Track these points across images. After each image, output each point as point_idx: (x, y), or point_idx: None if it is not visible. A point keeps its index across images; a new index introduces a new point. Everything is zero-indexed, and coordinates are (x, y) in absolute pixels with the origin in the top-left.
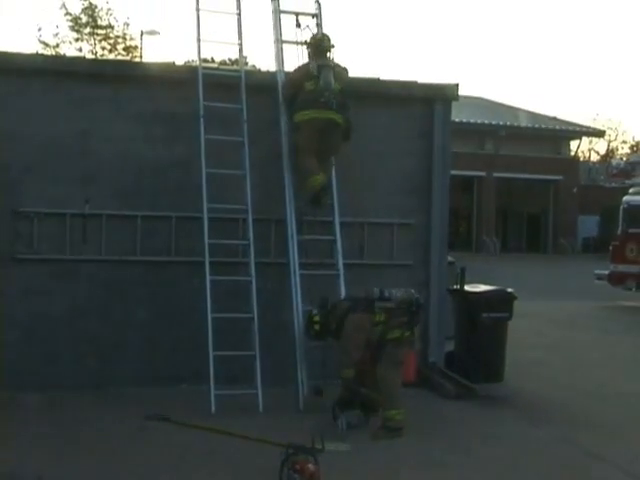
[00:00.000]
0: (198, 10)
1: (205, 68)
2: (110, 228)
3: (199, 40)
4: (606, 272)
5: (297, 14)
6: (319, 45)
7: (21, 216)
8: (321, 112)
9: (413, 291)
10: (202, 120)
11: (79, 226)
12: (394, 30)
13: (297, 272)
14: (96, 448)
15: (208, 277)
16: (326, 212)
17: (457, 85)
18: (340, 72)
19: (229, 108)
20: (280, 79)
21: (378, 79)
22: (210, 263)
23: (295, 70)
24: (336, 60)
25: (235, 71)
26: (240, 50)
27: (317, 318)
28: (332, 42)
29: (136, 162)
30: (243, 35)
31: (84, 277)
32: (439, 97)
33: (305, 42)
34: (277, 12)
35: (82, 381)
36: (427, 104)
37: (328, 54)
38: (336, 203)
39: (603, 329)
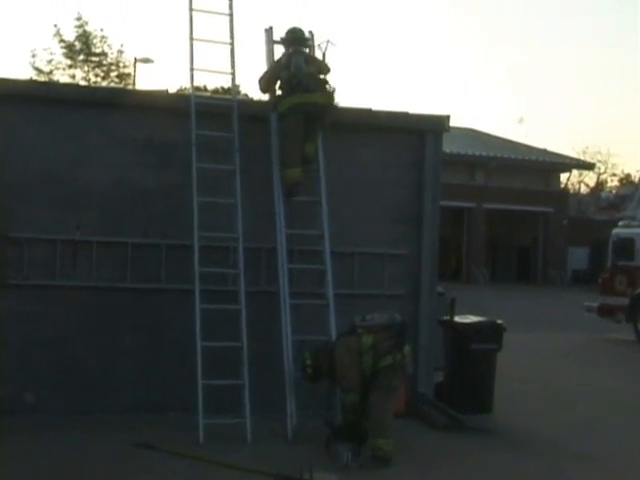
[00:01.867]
0: (192, 39)
1: (198, 97)
2: (100, 255)
3: (192, 69)
4: (595, 304)
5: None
6: (292, 36)
7: (11, 241)
8: (300, 96)
9: (396, 314)
10: (194, 148)
11: (69, 252)
12: (386, 62)
13: (287, 301)
14: (82, 474)
15: (198, 305)
16: (316, 241)
17: (448, 117)
18: (312, 56)
19: (221, 136)
20: (273, 112)
21: (370, 110)
22: (200, 291)
23: (268, 67)
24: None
25: (227, 100)
26: (233, 79)
27: (309, 362)
28: (308, 35)
29: (127, 189)
30: (236, 64)
31: (73, 303)
32: (430, 128)
33: (280, 38)
34: (270, 43)
35: (70, 407)
36: (418, 135)
37: (304, 49)
38: (326, 232)
39: (592, 361)
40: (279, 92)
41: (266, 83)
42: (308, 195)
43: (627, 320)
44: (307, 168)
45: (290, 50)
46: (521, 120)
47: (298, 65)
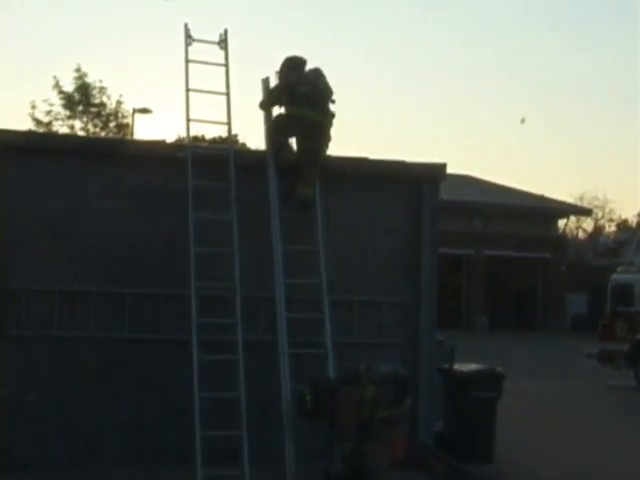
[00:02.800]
0: (187, 90)
1: (194, 147)
2: (98, 305)
3: (188, 119)
4: (595, 351)
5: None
6: (291, 63)
7: (9, 293)
8: (313, 113)
9: (400, 367)
10: (191, 198)
11: (67, 303)
12: (382, 110)
13: (286, 351)
14: None
15: (195, 356)
16: (314, 290)
17: (445, 165)
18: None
19: (218, 186)
20: (271, 160)
21: (367, 159)
22: (198, 341)
23: (282, 80)
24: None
25: (224, 150)
26: (229, 129)
27: (309, 397)
28: (303, 58)
29: (125, 239)
30: (232, 114)
31: (71, 354)
32: (427, 177)
33: (278, 70)
34: (267, 89)
35: (67, 460)
36: (415, 184)
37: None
38: (325, 281)
39: (592, 409)
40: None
41: (277, 96)
42: (305, 244)
43: (627, 367)
44: (306, 211)
45: (306, 72)
46: (523, 120)
47: (327, 86)
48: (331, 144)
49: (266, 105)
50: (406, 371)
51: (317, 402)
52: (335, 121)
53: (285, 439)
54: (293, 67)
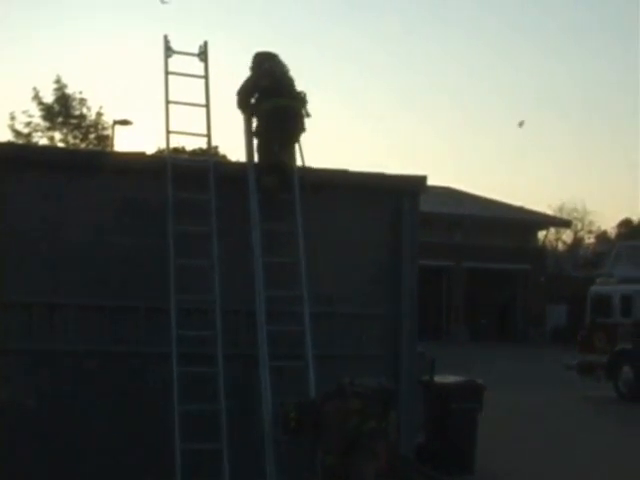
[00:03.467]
0: (167, 102)
1: (174, 158)
2: (78, 318)
3: (168, 131)
4: (574, 362)
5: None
6: (260, 58)
7: None
8: (276, 101)
9: (384, 380)
10: (170, 210)
11: (46, 316)
12: (362, 122)
13: (267, 363)
14: None
15: (175, 368)
16: (295, 302)
17: (425, 177)
18: (287, 69)
19: (199, 198)
20: (251, 172)
21: (346, 171)
22: (179, 354)
23: (244, 82)
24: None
25: (203, 162)
26: (208, 141)
27: (293, 414)
28: (273, 52)
29: (105, 252)
30: (212, 126)
31: (50, 367)
32: (407, 189)
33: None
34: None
35: (50, 473)
36: (396, 196)
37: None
38: (305, 294)
39: (573, 420)
40: (253, 101)
41: (245, 94)
42: (286, 256)
43: (607, 378)
44: (284, 179)
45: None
46: (521, 124)
47: (283, 72)
48: (310, 154)
49: (242, 102)
50: (391, 384)
51: (301, 419)
52: (314, 128)
53: (266, 452)
54: (262, 61)
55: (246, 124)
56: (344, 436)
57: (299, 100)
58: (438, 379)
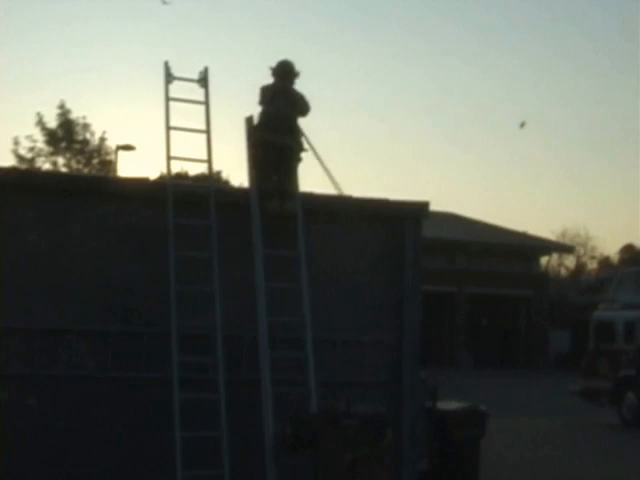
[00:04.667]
0: (168, 128)
1: (175, 185)
2: (80, 344)
3: (169, 157)
4: (578, 388)
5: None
6: (281, 69)
7: None
8: (270, 134)
9: (379, 406)
10: (171, 236)
11: (48, 341)
12: (365, 149)
13: (269, 390)
14: None
15: (177, 394)
16: (297, 329)
17: (427, 203)
18: (295, 96)
19: (200, 224)
20: (254, 198)
21: (349, 197)
22: (180, 380)
23: (264, 87)
24: (298, 89)
25: (205, 187)
26: (209, 167)
27: (289, 431)
28: (295, 68)
29: (107, 277)
30: (213, 151)
31: (52, 393)
32: (410, 215)
33: (271, 68)
34: (250, 131)
35: None
36: (398, 222)
37: (293, 79)
38: (308, 320)
39: (577, 447)
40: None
41: (260, 100)
42: (288, 282)
43: (611, 404)
44: (286, 210)
45: (278, 86)
46: (523, 125)
47: (279, 108)
48: (313, 179)
49: (261, 102)
50: (384, 409)
51: (298, 435)
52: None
53: (267, 477)
54: (281, 75)
55: (249, 150)
56: (340, 463)
57: (295, 138)
58: (441, 405)
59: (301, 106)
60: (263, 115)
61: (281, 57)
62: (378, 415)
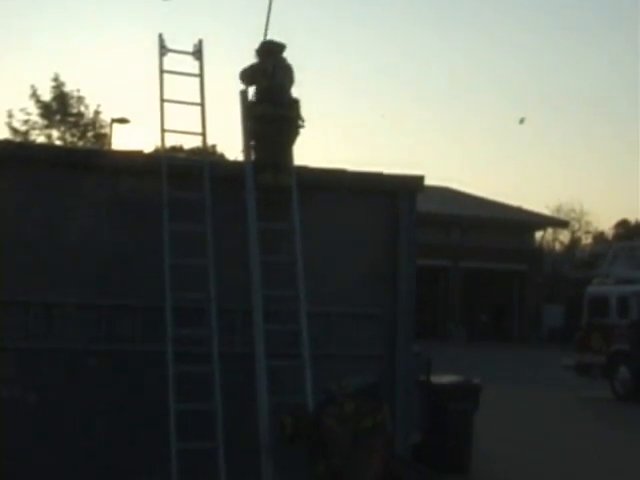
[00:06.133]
0: (162, 100)
1: (169, 158)
2: (73, 317)
3: (163, 130)
4: (572, 362)
5: None
6: (269, 46)
7: None
8: (275, 108)
9: (369, 375)
10: (165, 209)
11: (43, 315)
12: (360, 121)
13: (263, 363)
14: None
15: (171, 367)
16: (292, 302)
17: (422, 177)
18: (290, 73)
19: (194, 197)
20: (249, 170)
21: (344, 170)
22: (174, 353)
23: (251, 65)
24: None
25: (199, 161)
26: (203, 140)
27: (289, 421)
28: (282, 43)
29: (101, 250)
30: (207, 124)
31: (46, 366)
32: (404, 189)
33: (256, 50)
34: (245, 105)
35: (46, 474)
36: (392, 195)
37: (282, 51)
38: (302, 293)
39: (569, 420)
40: (251, 98)
41: (248, 80)
42: (283, 255)
43: (603, 378)
44: (283, 179)
45: (274, 62)
46: (522, 120)
47: (282, 84)
48: (308, 152)
49: (244, 80)
50: (375, 377)
51: (297, 426)
52: (312, 127)
53: (262, 455)
54: (268, 54)
55: (244, 123)
56: (346, 439)
57: (294, 109)
58: (434, 379)
59: (292, 77)
60: (264, 90)
61: (277, 30)
62: (371, 384)
